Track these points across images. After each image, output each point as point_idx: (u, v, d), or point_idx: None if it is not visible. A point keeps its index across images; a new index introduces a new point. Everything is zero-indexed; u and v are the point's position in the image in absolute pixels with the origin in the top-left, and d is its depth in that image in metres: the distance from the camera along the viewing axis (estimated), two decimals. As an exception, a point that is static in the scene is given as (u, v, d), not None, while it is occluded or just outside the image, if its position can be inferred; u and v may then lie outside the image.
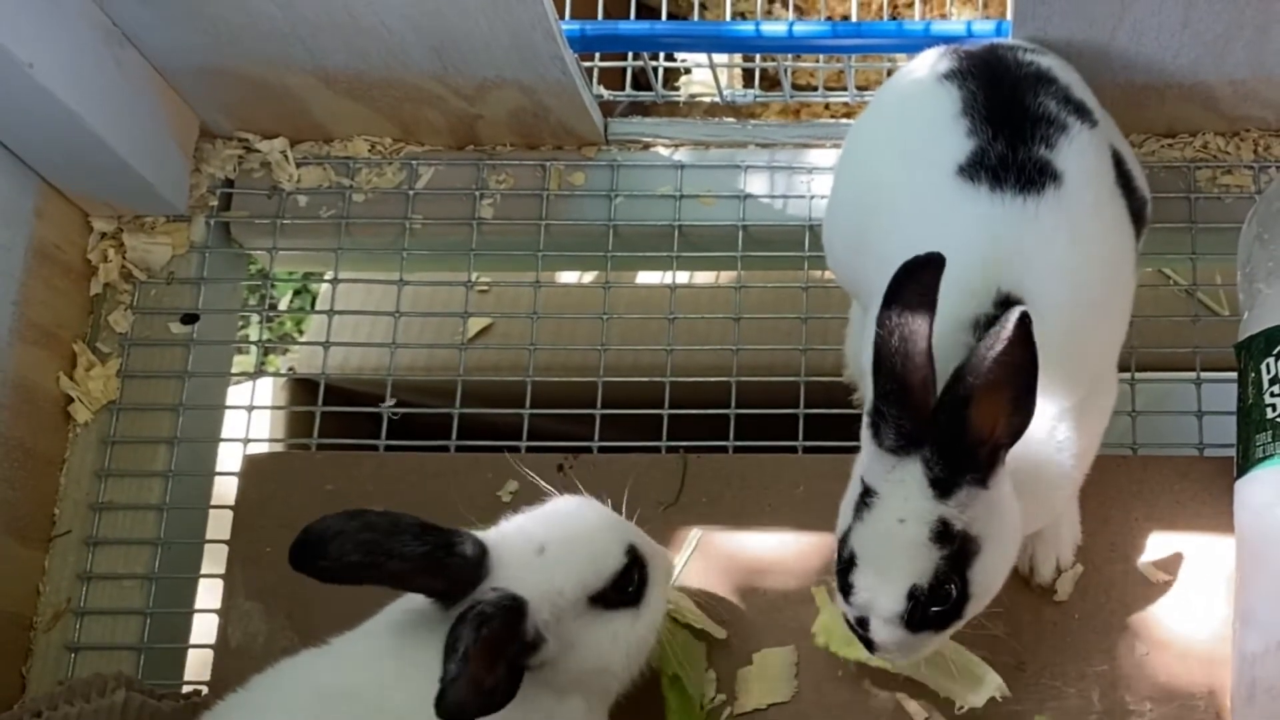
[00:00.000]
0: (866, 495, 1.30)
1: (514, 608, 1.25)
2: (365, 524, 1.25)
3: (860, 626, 1.33)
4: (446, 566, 1.28)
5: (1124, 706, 1.50)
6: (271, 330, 3.22)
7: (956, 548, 1.28)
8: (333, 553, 1.24)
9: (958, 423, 1.24)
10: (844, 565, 1.32)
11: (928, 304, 1.23)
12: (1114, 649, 1.53)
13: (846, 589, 1.32)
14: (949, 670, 1.49)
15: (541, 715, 1.34)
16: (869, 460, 1.30)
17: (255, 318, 2.57)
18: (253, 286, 2.05)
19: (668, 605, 1.48)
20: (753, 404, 1.74)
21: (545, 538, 1.36)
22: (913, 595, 1.28)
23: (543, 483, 1.50)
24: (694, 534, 1.61)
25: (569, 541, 1.37)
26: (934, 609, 1.29)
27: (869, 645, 1.34)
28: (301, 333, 3.24)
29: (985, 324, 1.33)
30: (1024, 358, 1.22)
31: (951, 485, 1.26)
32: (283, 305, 3.25)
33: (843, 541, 1.33)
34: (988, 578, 1.32)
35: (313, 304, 3.21)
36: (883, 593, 1.29)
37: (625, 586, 1.38)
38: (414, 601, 1.34)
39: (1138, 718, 1.49)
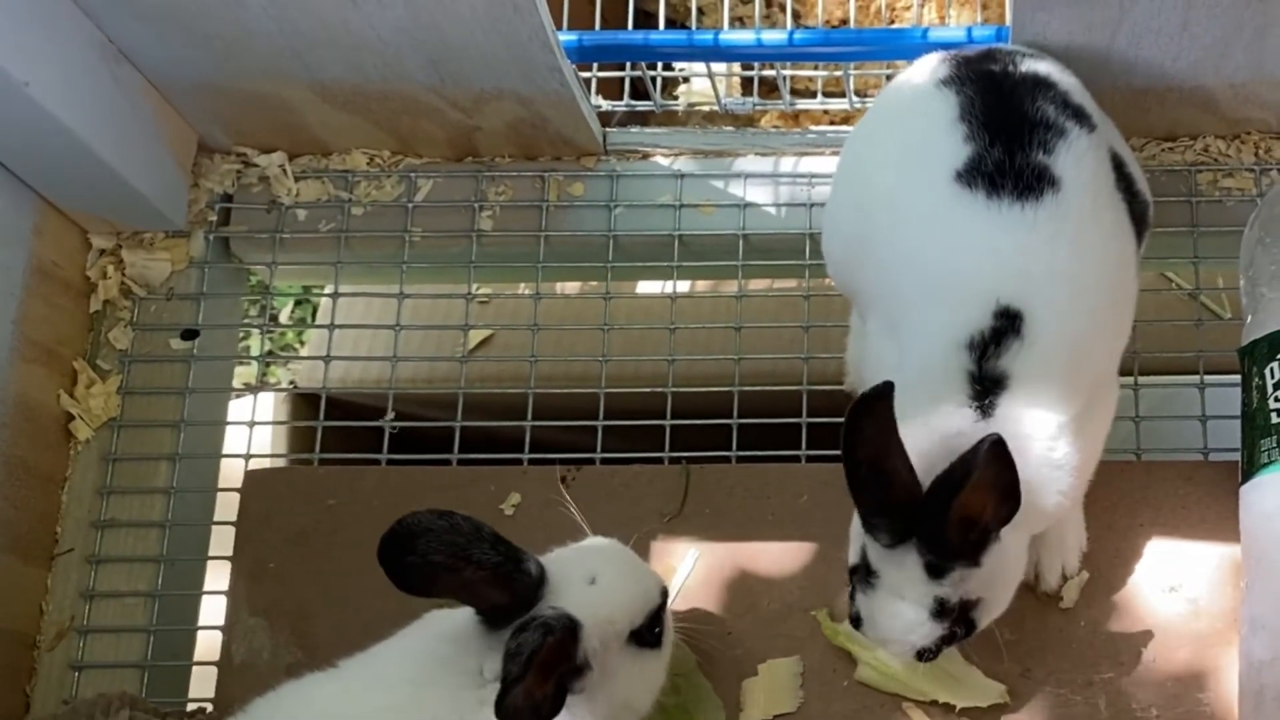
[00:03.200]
0: (869, 573, 1.35)
1: (572, 627, 1.27)
2: (452, 525, 1.26)
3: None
4: (513, 580, 1.29)
5: (1130, 713, 1.49)
6: (273, 341, 3.21)
7: (957, 615, 1.34)
8: (420, 549, 1.24)
9: (940, 526, 1.28)
10: (855, 619, 1.39)
11: (889, 430, 1.26)
12: (1120, 656, 1.52)
13: (858, 626, 1.39)
14: (949, 681, 1.50)
15: None
16: (868, 542, 1.35)
17: (256, 331, 2.57)
18: (253, 300, 2.04)
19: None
20: (755, 413, 1.73)
21: (597, 569, 1.37)
22: (919, 654, 1.35)
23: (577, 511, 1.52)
24: (691, 554, 1.61)
25: (620, 576, 1.39)
26: (943, 648, 1.36)
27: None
28: (303, 343, 3.23)
29: (983, 341, 1.34)
30: (1000, 475, 1.26)
31: (945, 570, 1.31)
32: (283, 317, 3.25)
33: (851, 591, 1.39)
34: (989, 615, 1.39)
35: (314, 314, 3.21)
36: (891, 651, 1.40)
37: (654, 627, 1.40)
38: (432, 628, 1.34)
39: (1144, 724, 1.49)
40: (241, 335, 2.15)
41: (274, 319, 2.96)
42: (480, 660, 1.29)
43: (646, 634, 1.39)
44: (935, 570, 1.31)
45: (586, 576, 1.35)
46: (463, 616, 1.33)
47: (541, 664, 1.21)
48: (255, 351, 2.57)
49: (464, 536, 1.25)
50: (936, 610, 1.33)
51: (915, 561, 1.31)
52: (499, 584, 1.28)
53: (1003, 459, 1.24)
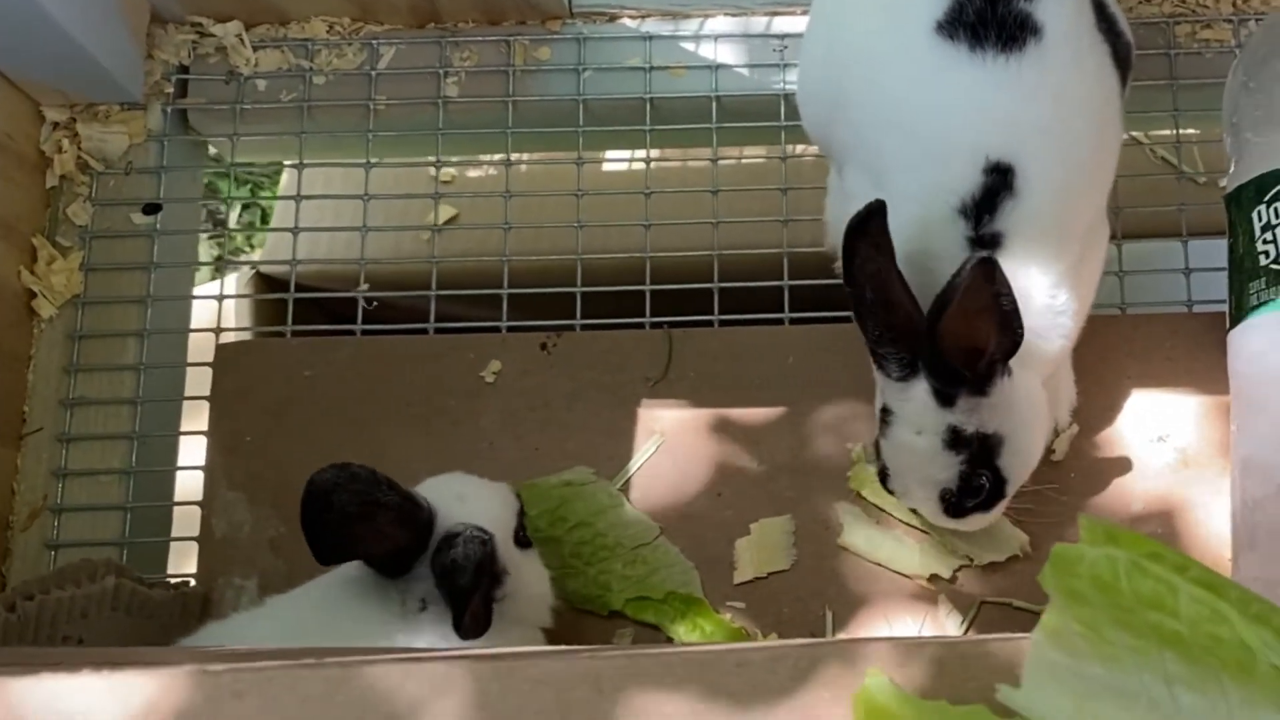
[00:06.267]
0: (885, 413, 1.35)
1: (490, 538, 1.27)
2: (353, 475, 1.24)
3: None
4: (414, 517, 1.28)
5: (1124, 561, 1.49)
6: (221, 246, 3.14)
7: (976, 448, 1.33)
8: (336, 504, 1.22)
9: (939, 352, 1.28)
10: (881, 473, 1.40)
11: (885, 250, 1.25)
12: (1111, 505, 1.52)
13: (890, 491, 1.40)
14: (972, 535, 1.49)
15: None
16: (882, 383, 1.35)
17: (220, 215, 2.52)
18: (205, 200, 1.99)
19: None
20: (736, 278, 1.70)
21: (459, 490, 1.36)
22: (944, 497, 1.36)
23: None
24: (654, 439, 1.58)
25: (482, 489, 1.39)
26: (971, 501, 1.36)
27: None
28: (253, 247, 3.16)
29: (975, 202, 1.32)
30: (989, 298, 1.24)
31: (952, 397, 1.31)
32: (231, 222, 3.18)
33: (876, 452, 1.41)
34: (1018, 461, 1.38)
35: (263, 219, 3.14)
36: (917, 498, 1.38)
37: (522, 529, 1.40)
38: (343, 573, 1.34)
39: (1138, 572, 1.49)
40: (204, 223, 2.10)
41: (223, 222, 2.88)
42: (401, 594, 1.29)
43: (520, 536, 1.39)
44: (944, 398, 1.31)
45: (456, 498, 1.34)
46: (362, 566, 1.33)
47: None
48: (207, 252, 2.52)
49: (364, 484, 1.24)
50: (950, 439, 1.32)
51: (924, 390, 1.31)
52: (404, 523, 1.27)
53: (992, 278, 1.23)
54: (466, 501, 1.34)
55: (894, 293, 1.27)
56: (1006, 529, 1.49)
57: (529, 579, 1.38)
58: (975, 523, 1.40)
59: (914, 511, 1.44)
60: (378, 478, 1.25)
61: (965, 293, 1.23)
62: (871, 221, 1.24)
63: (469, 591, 1.23)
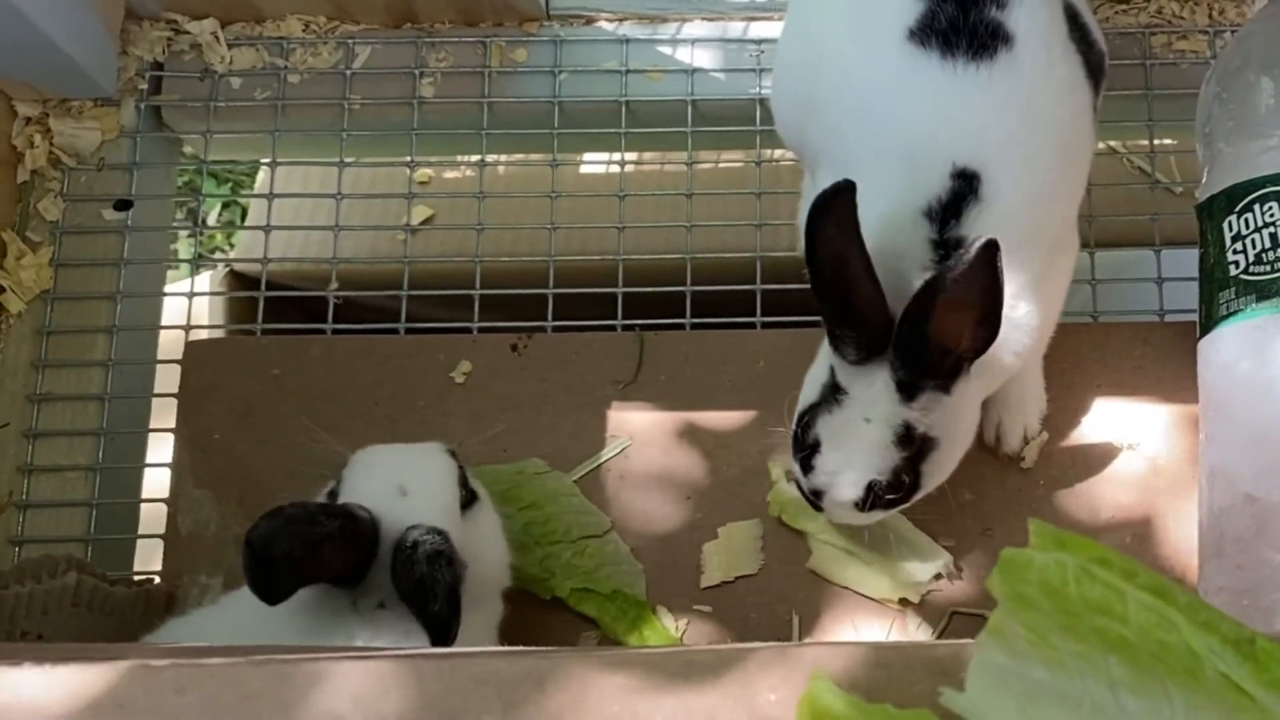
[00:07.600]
0: (837, 391, 1.32)
1: (447, 545, 1.23)
2: (290, 516, 1.20)
3: (814, 496, 1.37)
4: (357, 535, 1.24)
5: (1091, 569, 1.49)
6: (202, 245, 3.13)
7: (917, 448, 1.31)
8: (281, 553, 1.18)
9: (919, 336, 1.25)
10: (808, 446, 1.34)
11: (850, 229, 1.23)
12: (1079, 514, 1.52)
13: (807, 467, 1.35)
14: (897, 551, 1.49)
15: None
16: (836, 364, 1.32)
17: (191, 212, 2.50)
18: (181, 201, 1.98)
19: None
20: (709, 282, 1.70)
21: (395, 481, 1.31)
22: (870, 488, 1.32)
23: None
24: (620, 440, 1.58)
25: (418, 469, 1.34)
26: (887, 496, 1.33)
27: (818, 510, 1.39)
28: (233, 245, 3.15)
29: (942, 205, 1.31)
30: (987, 283, 1.22)
31: (915, 390, 1.29)
32: (211, 219, 3.17)
33: (807, 423, 1.35)
34: (939, 469, 1.36)
35: (243, 217, 3.13)
36: (843, 481, 1.34)
37: (465, 486, 1.36)
38: None
39: (1105, 580, 1.48)
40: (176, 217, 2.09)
41: (203, 221, 2.87)
42: (351, 596, 1.26)
43: (466, 496, 1.35)
44: (906, 390, 1.29)
45: (397, 493, 1.30)
46: None
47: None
48: (186, 250, 2.51)
49: (301, 523, 1.20)
50: (902, 435, 1.30)
51: (886, 379, 1.29)
52: (349, 545, 1.23)
53: (996, 262, 1.21)
54: (409, 494, 1.29)
55: (855, 273, 1.25)
56: (927, 546, 1.50)
57: (482, 549, 1.34)
58: (869, 517, 1.37)
59: (812, 499, 1.38)
60: (311, 511, 1.22)
61: (966, 274, 1.20)
62: (837, 199, 1.22)
63: (449, 619, 1.20)
